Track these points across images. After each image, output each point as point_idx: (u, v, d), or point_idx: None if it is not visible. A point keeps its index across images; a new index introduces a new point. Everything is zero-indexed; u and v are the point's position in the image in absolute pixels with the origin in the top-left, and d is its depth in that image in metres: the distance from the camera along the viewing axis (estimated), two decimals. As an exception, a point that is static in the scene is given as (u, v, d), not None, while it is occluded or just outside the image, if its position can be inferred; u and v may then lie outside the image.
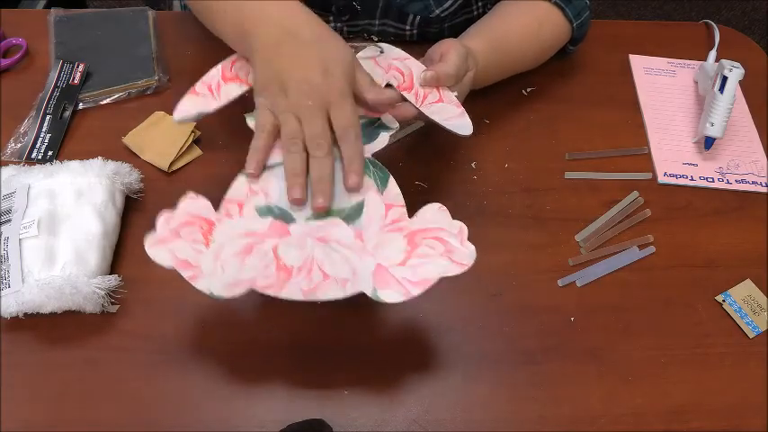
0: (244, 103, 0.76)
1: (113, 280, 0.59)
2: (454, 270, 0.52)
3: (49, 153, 0.69)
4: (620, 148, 0.76)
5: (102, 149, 0.68)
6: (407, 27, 0.80)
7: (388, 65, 0.64)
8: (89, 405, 0.55)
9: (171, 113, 0.72)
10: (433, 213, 0.54)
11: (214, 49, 0.79)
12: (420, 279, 0.51)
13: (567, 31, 0.77)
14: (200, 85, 0.61)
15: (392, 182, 0.56)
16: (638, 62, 0.86)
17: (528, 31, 0.75)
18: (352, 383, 0.58)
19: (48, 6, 0.98)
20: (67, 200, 0.62)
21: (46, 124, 0.71)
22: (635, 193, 0.72)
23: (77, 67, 0.75)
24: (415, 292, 0.51)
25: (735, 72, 0.73)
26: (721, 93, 0.73)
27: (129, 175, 0.66)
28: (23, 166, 0.65)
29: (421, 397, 0.57)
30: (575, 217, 0.70)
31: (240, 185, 0.55)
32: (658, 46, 0.87)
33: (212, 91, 0.60)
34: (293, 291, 0.51)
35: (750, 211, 0.72)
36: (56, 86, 0.73)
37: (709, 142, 0.75)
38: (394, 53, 0.65)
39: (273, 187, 0.55)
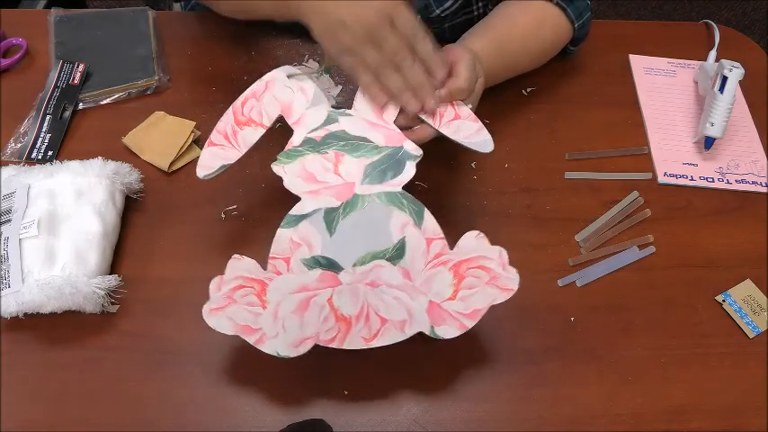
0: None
1: (113, 280, 0.59)
2: (502, 297, 0.54)
3: (49, 153, 0.69)
4: (620, 148, 0.76)
5: (102, 149, 0.68)
6: (408, 27, 0.80)
7: None
8: (89, 405, 0.55)
9: (171, 113, 0.73)
10: (472, 241, 0.55)
11: (214, 49, 0.79)
12: (472, 311, 0.54)
13: (569, 32, 0.77)
14: (215, 135, 0.60)
15: (427, 214, 0.56)
16: (638, 62, 0.86)
17: (530, 31, 0.75)
18: (352, 383, 0.58)
19: (48, 6, 0.98)
20: (67, 200, 0.62)
21: (46, 124, 0.71)
22: (635, 193, 0.72)
23: (77, 67, 0.75)
24: (469, 324, 0.54)
25: (735, 72, 0.73)
26: (721, 93, 0.73)
27: (129, 175, 0.66)
28: (23, 166, 0.65)
29: (421, 397, 0.57)
30: (575, 217, 0.69)
31: (282, 240, 0.56)
32: (658, 46, 0.87)
33: (229, 139, 0.60)
34: (355, 340, 0.53)
35: (750, 211, 0.72)
36: (56, 86, 0.73)
37: (709, 142, 0.75)
38: None
39: (314, 237, 0.56)
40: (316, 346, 0.53)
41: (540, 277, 0.65)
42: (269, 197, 0.68)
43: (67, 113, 0.72)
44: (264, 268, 0.55)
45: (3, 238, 0.59)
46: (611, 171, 0.74)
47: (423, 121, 0.61)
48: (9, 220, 0.60)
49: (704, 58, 0.85)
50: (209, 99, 0.75)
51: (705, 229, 0.70)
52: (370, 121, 0.61)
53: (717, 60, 0.82)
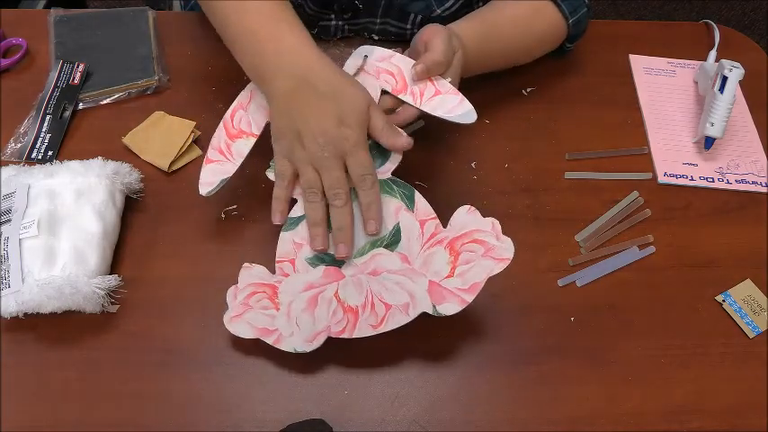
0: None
1: (113, 280, 0.59)
2: (499, 267, 0.55)
3: (49, 153, 0.69)
4: (620, 148, 0.76)
5: (102, 149, 0.68)
6: (408, 26, 0.80)
7: (375, 69, 0.64)
8: (89, 405, 0.55)
9: (171, 113, 0.73)
10: (464, 217, 0.56)
11: (214, 49, 0.79)
12: (470, 285, 0.54)
13: (563, 27, 0.77)
14: (211, 152, 0.63)
15: (418, 196, 0.58)
16: (638, 62, 0.86)
17: (520, 20, 0.75)
18: (352, 383, 0.58)
19: (48, 6, 0.98)
20: (67, 200, 0.62)
21: (46, 124, 0.71)
22: (635, 193, 0.72)
23: (77, 67, 0.75)
24: (469, 298, 0.54)
25: (735, 72, 0.73)
26: (721, 93, 0.73)
27: (129, 175, 0.66)
28: (23, 166, 0.65)
29: (421, 397, 0.57)
30: (575, 217, 0.70)
31: (285, 243, 0.58)
32: (658, 46, 0.87)
33: (224, 153, 0.62)
34: (364, 328, 0.55)
35: (750, 211, 0.72)
36: (56, 86, 0.73)
37: (709, 142, 0.75)
38: (376, 54, 0.65)
39: None
40: (328, 338, 0.55)
41: (540, 277, 0.65)
42: (269, 197, 0.68)
43: (67, 113, 0.72)
44: (273, 272, 0.57)
45: (3, 238, 0.59)
46: (611, 171, 0.74)
47: (403, 103, 0.62)
48: (9, 220, 0.60)
49: (704, 58, 0.85)
50: (209, 99, 0.75)
51: (705, 229, 0.70)
52: None
53: (717, 60, 0.82)
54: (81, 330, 0.59)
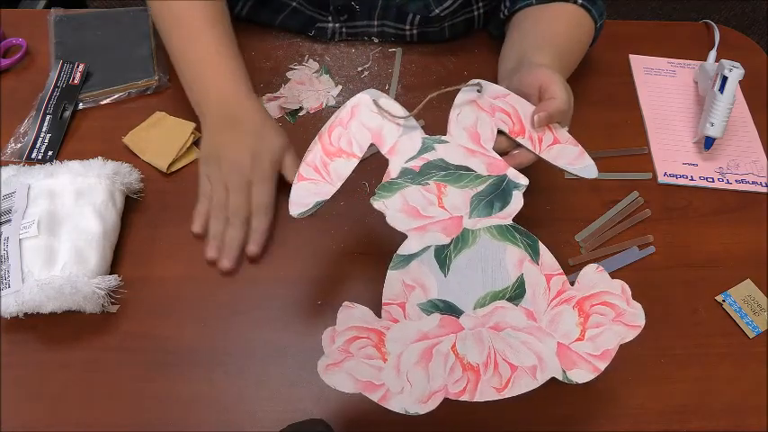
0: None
1: (113, 280, 0.59)
2: (631, 335, 0.51)
3: (49, 153, 0.69)
4: (620, 148, 0.76)
5: (102, 149, 0.68)
6: (407, 27, 0.80)
7: (490, 106, 0.60)
8: (89, 405, 0.55)
9: (171, 113, 0.73)
10: (593, 276, 0.53)
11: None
12: (602, 351, 0.51)
13: (593, 32, 0.77)
14: (305, 169, 0.56)
15: (543, 248, 0.54)
16: (638, 62, 0.86)
17: (575, 36, 0.74)
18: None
19: (48, 6, 0.98)
20: (67, 200, 0.62)
21: (46, 124, 0.71)
22: (635, 193, 0.72)
23: (77, 67, 0.75)
24: (602, 366, 0.51)
25: (735, 72, 0.73)
26: (721, 93, 0.73)
27: (129, 175, 0.66)
28: (23, 166, 0.65)
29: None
30: (575, 217, 0.69)
31: (394, 283, 0.52)
32: (658, 46, 0.87)
33: (320, 172, 0.56)
34: (486, 391, 0.50)
35: (750, 211, 0.72)
36: (56, 86, 0.73)
37: (709, 142, 0.75)
38: (492, 90, 0.60)
39: (428, 278, 0.52)
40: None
41: (540, 277, 0.65)
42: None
43: (67, 113, 0.72)
44: (378, 315, 0.51)
45: (3, 238, 0.59)
46: (611, 171, 0.74)
47: (519, 146, 0.59)
48: (9, 220, 0.60)
49: (704, 58, 0.85)
50: (209, 99, 0.75)
51: (705, 229, 0.70)
52: (468, 147, 0.57)
53: (717, 60, 0.82)
54: (81, 330, 0.59)
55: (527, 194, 0.71)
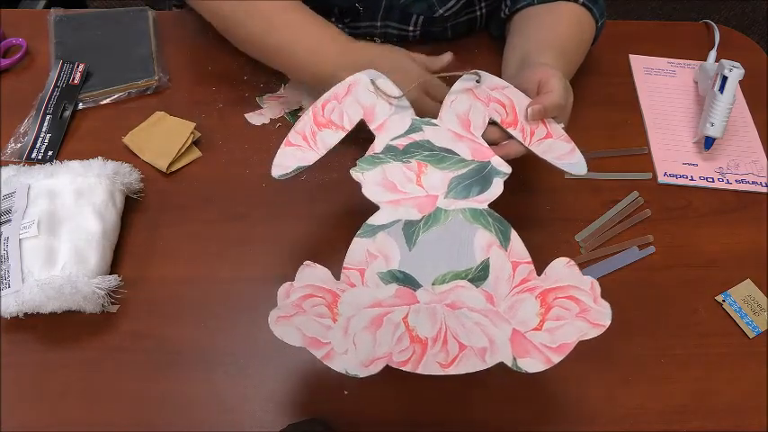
0: (243, 105, 0.76)
1: (113, 280, 0.59)
2: (593, 332, 0.50)
3: (49, 153, 0.69)
4: (620, 148, 0.76)
5: (102, 149, 0.68)
6: (410, 27, 0.80)
7: (486, 96, 0.60)
8: (89, 405, 0.55)
9: (171, 113, 0.73)
10: (562, 270, 0.52)
11: (214, 49, 0.79)
12: (559, 344, 0.50)
13: (594, 31, 0.77)
14: (293, 135, 0.58)
15: (514, 235, 0.54)
16: (638, 62, 0.86)
17: (578, 36, 0.74)
18: (352, 383, 0.58)
19: (48, 6, 0.98)
20: (67, 200, 0.62)
21: (46, 124, 0.71)
22: (635, 193, 0.72)
23: (77, 67, 0.75)
24: (556, 359, 0.50)
25: (735, 72, 0.73)
26: (721, 93, 0.73)
27: (129, 175, 0.66)
28: (23, 166, 0.65)
29: (420, 397, 0.57)
30: (575, 217, 0.69)
31: (358, 250, 0.53)
32: (658, 46, 0.87)
33: (308, 140, 0.58)
34: (431, 365, 0.50)
35: (750, 211, 0.72)
36: (56, 86, 0.73)
37: (709, 142, 0.75)
38: (490, 81, 0.61)
39: (393, 250, 0.53)
40: (386, 367, 0.51)
41: (540, 277, 0.65)
42: (269, 197, 0.68)
43: (67, 113, 0.72)
44: (337, 278, 0.52)
45: (3, 238, 0.59)
46: (611, 171, 0.74)
47: (511, 137, 0.59)
48: (9, 220, 0.60)
49: (704, 58, 0.85)
50: (208, 99, 0.75)
51: (705, 229, 0.70)
52: (457, 132, 0.58)
53: (717, 60, 0.82)
54: (81, 330, 0.59)
55: (527, 194, 0.71)
